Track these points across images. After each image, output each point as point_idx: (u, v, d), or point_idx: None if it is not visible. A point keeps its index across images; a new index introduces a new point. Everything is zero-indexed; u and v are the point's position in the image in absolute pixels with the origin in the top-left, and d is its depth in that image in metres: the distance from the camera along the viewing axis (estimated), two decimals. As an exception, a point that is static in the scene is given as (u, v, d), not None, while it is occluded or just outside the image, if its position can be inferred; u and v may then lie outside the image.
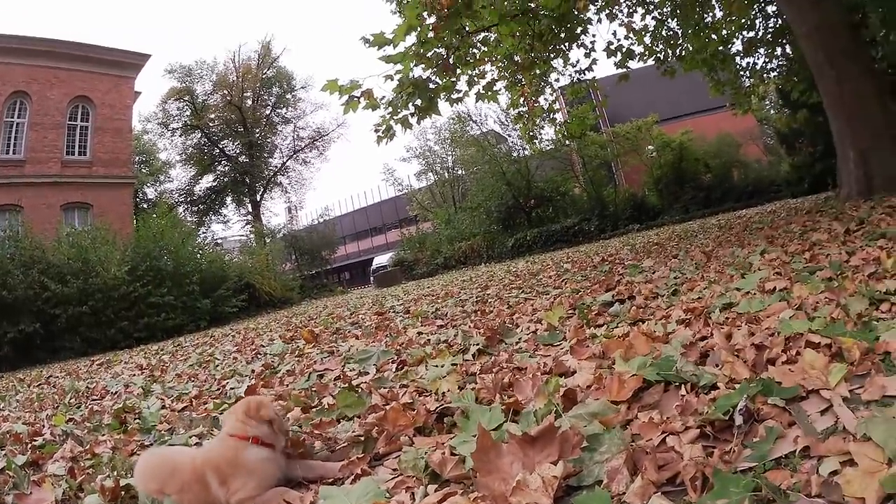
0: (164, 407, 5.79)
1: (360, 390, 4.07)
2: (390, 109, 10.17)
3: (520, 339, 5.07)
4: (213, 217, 55.00)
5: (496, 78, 13.47)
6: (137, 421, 5.26)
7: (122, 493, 3.15)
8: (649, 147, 34.74)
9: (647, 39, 15.31)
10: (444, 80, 10.75)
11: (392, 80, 9.98)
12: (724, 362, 2.74)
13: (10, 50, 32.32)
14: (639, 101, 34.87)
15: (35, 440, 5.22)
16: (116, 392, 8.04)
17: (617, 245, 17.33)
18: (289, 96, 55.90)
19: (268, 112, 55.47)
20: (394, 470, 2.73)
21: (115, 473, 3.61)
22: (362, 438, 3.15)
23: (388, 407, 3.47)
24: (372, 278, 42.55)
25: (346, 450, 3.13)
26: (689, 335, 3.48)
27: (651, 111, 35.00)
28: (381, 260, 51.58)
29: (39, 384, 11.84)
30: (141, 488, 2.93)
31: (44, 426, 6.03)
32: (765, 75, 17.80)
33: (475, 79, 12.50)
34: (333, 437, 3.34)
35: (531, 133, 15.87)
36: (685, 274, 6.77)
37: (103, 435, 4.99)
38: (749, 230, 11.15)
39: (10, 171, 31.90)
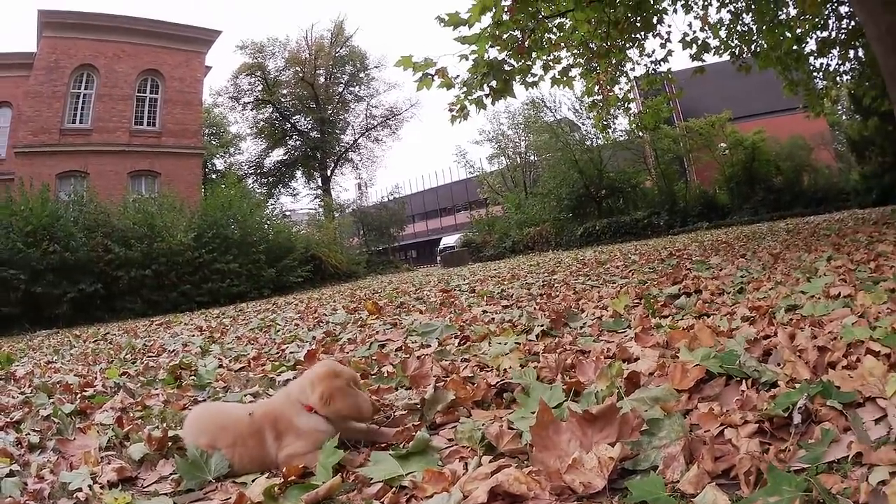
0: (220, 366, 5.90)
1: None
2: (465, 89, 10.16)
3: (584, 323, 5.06)
4: (282, 189, 55.98)
5: (571, 64, 13.37)
6: (192, 378, 5.38)
7: (169, 443, 3.23)
8: (722, 144, 34.20)
9: (723, 33, 15.04)
10: (520, 63, 10.71)
11: (467, 60, 9.97)
12: (786, 361, 2.70)
13: (75, 26, 33.64)
14: (713, 96, 34.37)
15: (86, 391, 5.35)
16: (174, 350, 8.21)
17: (685, 241, 17.17)
18: (362, 75, 56.36)
19: (340, 90, 55.98)
20: (449, 440, 2.75)
21: (164, 425, 3.69)
22: (419, 406, 3.18)
23: (448, 378, 3.50)
24: (439, 258, 42.58)
25: (402, 417, 3.16)
26: (753, 332, 3.43)
27: (725, 107, 34.45)
28: (448, 240, 51.58)
29: (96, 340, 12.11)
30: (190, 441, 2.97)
31: (96, 378, 6.18)
32: (837, 78, 17.28)
33: (550, 64, 12.39)
34: (391, 403, 3.37)
35: (605, 122, 15.72)
36: (752, 273, 6.69)
37: (156, 389, 5.12)
38: (816, 236, 11.03)
39: (77, 140, 33.20)
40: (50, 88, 33.12)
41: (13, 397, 5.67)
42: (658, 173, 35.41)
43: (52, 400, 5.10)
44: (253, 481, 2.61)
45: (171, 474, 2.95)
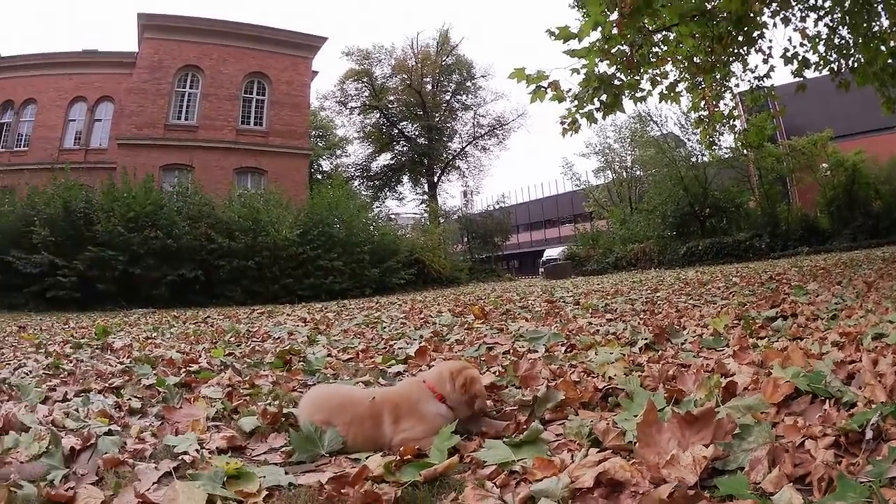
0: (329, 355, 6.16)
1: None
2: (576, 103, 10.36)
3: (685, 340, 5.27)
4: (388, 193, 56.70)
5: (678, 79, 13.40)
6: (301, 363, 5.65)
7: (282, 419, 3.50)
8: (823, 165, 33.16)
9: (821, 48, 14.73)
10: (629, 78, 10.85)
11: (578, 73, 10.18)
12: (866, 385, 2.87)
13: (177, 29, 35.33)
14: (814, 113, 33.39)
15: (190, 367, 5.70)
16: (279, 337, 8.48)
17: (785, 266, 16.93)
18: (469, 84, 56.61)
19: (448, 98, 56.36)
20: (557, 435, 2.99)
21: (279, 402, 3.96)
22: (531, 403, 3.41)
23: (558, 380, 3.74)
24: (542, 269, 42.36)
25: (512, 412, 3.41)
26: (841, 356, 3.58)
27: (826, 125, 33.45)
28: (551, 252, 51.35)
29: (196, 322, 12.60)
30: (305, 417, 3.20)
31: (200, 356, 6.57)
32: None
33: (658, 78, 12.49)
34: (502, 399, 3.64)
35: (711, 138, 15.65)
36: (845, 300, 6.83)
37: (264, 371, 5.42)
38: (912, 266, 10.78)
39: (182, 135, 34.85)
40: (154, 86, 34.78)
41: (111, 365, 6.13)
42: (762, 193, 34.65)
43: (154, 371, 5.47)
44: (367, 458, 2.82)
45: (281, 447, 3.19)
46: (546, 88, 9.82)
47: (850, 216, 29.75)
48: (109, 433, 3.41)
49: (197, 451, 3.10)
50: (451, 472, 2.63)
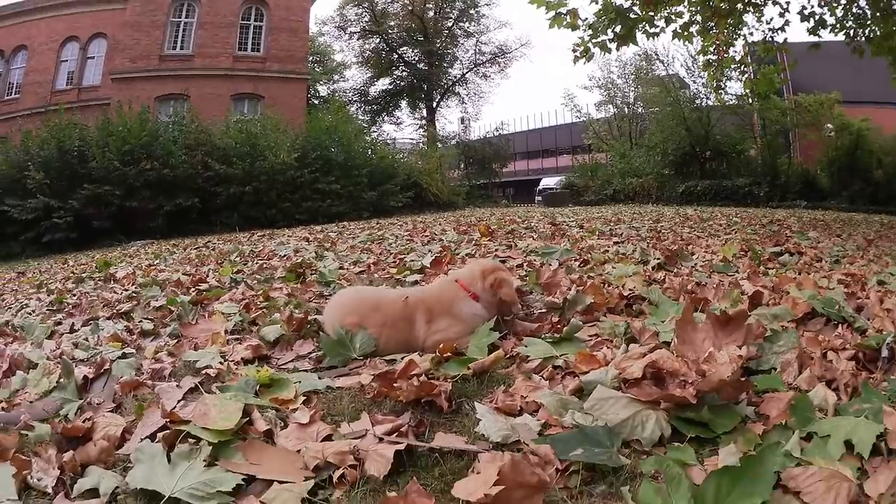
0: (341, 268, 6.17)
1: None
2: (590, 32, 10.35)
3: (696, 264, 5.34)
4: (385, 118, 55.62)
5: (691, 21, 13.33)
6: (314, 276, 5.65)
7: (307, 325, 3.50)
8: (828, 125, 32.92)
9: (839, 13, 14.58)
10: (644, 13, 10.81)
11: (596, 2, 10.16)
12: (875, 316, 3.06)
13: None
14: (823, 76, 32.93)
15: (199, 286, 5.68)
16: (285, 255, 8.42)
17: (783, 214, 16.99)
18: (472, 11, 55.35)
19: (450, 24, 55.26)
20: (591, 335, 3.07)
21: (303, 309, 3.97)
22: (561, 305, 3.50)
23: (584, 286, 3.82)
24: (538, 197, 41.74)
25: (541, 315, 3.49)
26: (848, 292, 3.70)
27: (834, 89, 33.24)
28: (548, 182, 50.53)
29: (197, 248, 12.52)
30: (336, 321, 3.19)
31: (207, 276, 6.57)
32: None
33: (672, 17, 12.42)
34: (528, 304, 3.69)
35: (718, 82, 15.60)
36: (847, 250, 7.01)
37: (277, 284, 5.41)
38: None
39: (177, 65, 34.09)
40: (148, 18, 33.91)
41: (117, 293, 6.10)
42: (764, 144, 34.51)
43: (163, 293, 5.45)
44: (402, 358, 2.82)
45: (309, 353, 3.22)
46: (566, 14, 9.81)
47: (851, 179, 29.59)
48: (123, 356, 3.38)
49: (221, 363, 3.11)
50: (497, 366, 2.71)
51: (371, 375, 2.67)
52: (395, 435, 2.13)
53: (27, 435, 2.41)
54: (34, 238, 21.35)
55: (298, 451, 2.10)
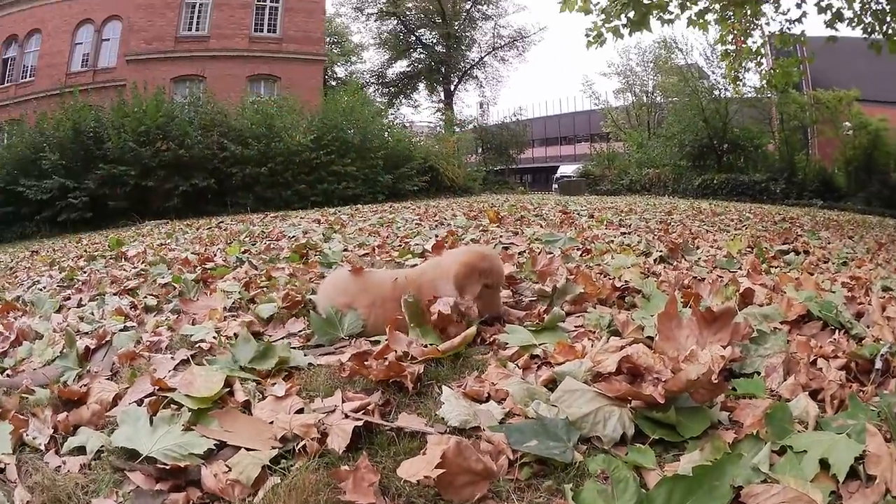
0: (345, 250, 6.25)
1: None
2: (603, 16, 10.26)
3: (699, 258, 5.33)
4: (403, 100, 55.34)
5: (707, 8, 13.21)
6: (318, 257, 5.73)
7: (301, 305, 3.58)
8: (846, 123, 32.56)
9: (857, 6, 14.36)
10: (658, -1, 10.73)
11: (609, -14, 10.09)
12: (875, 324, 2.95)
13: None
14: (842, 72, 32.61)
15: (206, 265, 5.77)
16: (293, 236, 8.55)
17: (798, 213, 16.88)
18: (490, -6, 55.30)
19: (468, 6, 54.84)
20: (576, 326, 3.06)
21: (301, 286, 4.05)
22: (550, 293, 3.48)
23: (576, 275, 3.81)
24: (555, 185, 41.48)
25: (531, 304, 3.49)
26: (850, 296, 3.63)
27: (853, 86, 32.85)
28: (566, 169, 50.15)
29: (209, 228, 12.64)
30: (327, 301, 3.25)
31: (215, 255, 6.65)
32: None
33: (688, 4, 12.31)
34: (518, 292, 3.71)
35: (736, 73, 15.46)
36: (856, 253, 6.93)
37: (281, 265, 5.47)
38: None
39: (192, 46, 34.21)
40: (163, 0, 34.07)
41: (126, 271, 6.23)
42: (782, 139, 34.20)
43: (169, 271, 5.54)
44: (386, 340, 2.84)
45: (300, 331, 3.29)
46: (577, -1, 9.76)
47: (867, 180, 29.22)
48: (125, 329, 3.52)
49: (214, 338, 3.20)
50: (472, 351, 2.75)
51: (350, 354, 2.70)
52: (361, 413, 2.20)
53: (27, 398, 2.61)
54: (50, 218, 21.51)
55: (271, 422, 2.20)
